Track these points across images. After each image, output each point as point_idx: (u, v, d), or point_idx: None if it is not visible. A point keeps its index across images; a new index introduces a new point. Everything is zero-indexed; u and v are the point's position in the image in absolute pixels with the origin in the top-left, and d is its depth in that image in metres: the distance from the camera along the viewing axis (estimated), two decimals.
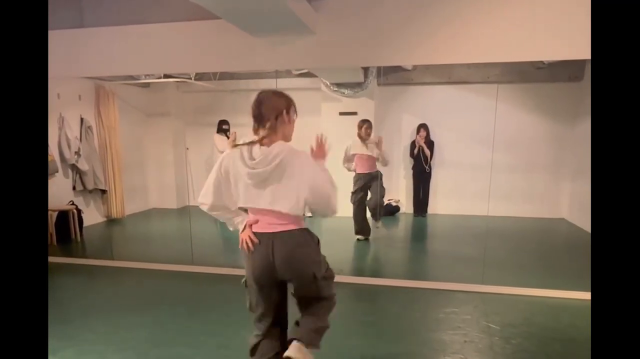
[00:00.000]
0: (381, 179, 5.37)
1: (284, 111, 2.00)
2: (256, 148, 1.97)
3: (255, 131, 2.01)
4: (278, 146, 1.96)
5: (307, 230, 2.08)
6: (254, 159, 1.94)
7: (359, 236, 5.55)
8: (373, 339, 2.94)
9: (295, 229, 2.02)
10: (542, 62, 6.23)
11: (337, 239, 5.53)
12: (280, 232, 2.01)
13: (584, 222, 6.20)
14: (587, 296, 3.59)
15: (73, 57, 4.11)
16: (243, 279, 2.13)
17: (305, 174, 1.97)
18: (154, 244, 5.79)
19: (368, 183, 5.31)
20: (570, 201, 6.79)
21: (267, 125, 1.96)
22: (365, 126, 5.16)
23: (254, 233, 2.02)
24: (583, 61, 6.36)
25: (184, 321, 3.22)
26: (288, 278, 2.06)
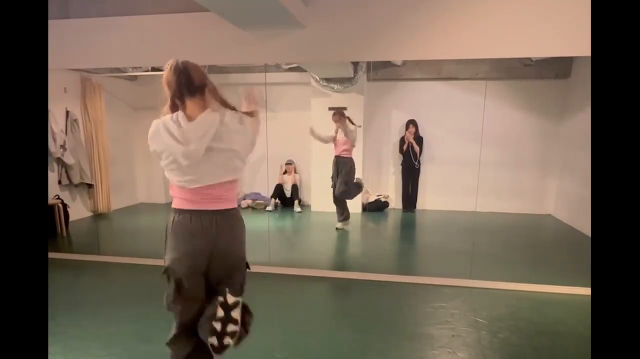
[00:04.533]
0: (350, 167, 5.59)
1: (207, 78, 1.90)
2: (184, 121, 1.81)
3: (179, 102, 1.85)
4: (208, 114, 1.84)
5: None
6: (185, 135, 1.78)
7: (337, 226, 5.71)
8: (362, 333, 2.95)
9: (235, 209, 1.98)
10: (529, 59, 6.28)
11: (328, 234, 5.54)
12: (224, 210, 1.92)
13: (570, 218, 6.29)
14: (573, 290, 3.66)
15: (58, 49, 4.03)
16: (165, 268, 1.95)
17: (240, 140, 1.93)
18: (141, 239, 5.73)
19: (338, 167, 5.63)
20: (556, 197, 6.87)
21: (197, 94, 1.86)
22: (335, 117, 5.58)
23: (187, 210, 1.89)
24: (570, 59, 6.43)
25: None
26: (221, 265, 1.95)
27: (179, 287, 1.92)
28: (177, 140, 1.80)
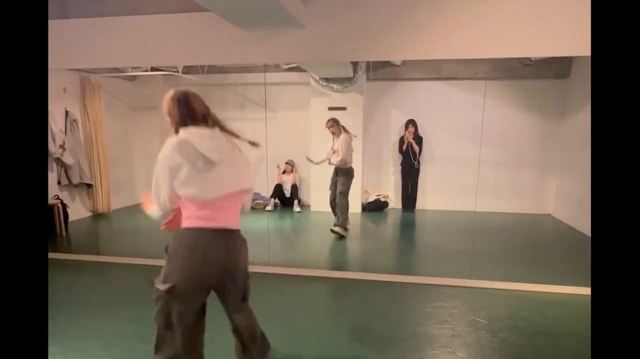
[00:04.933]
0: (348, 176, 5.50)
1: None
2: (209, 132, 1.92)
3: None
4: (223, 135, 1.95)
5: None
6: (213, 138, 1.89)
7: (331, 228, 5.55)
8: (362, 333, 2.95)
9: (240, 231, 2.01)
10: (529, 59, 6.29)
11: (327, 234, 5.53)
12: (235, 231, 1.95)
13: (570, 218, 6.29)
14: (573, 290, 3.66)
15: (58, 49, 4.02)
16: (167, 286, 1.85)
17: (245, 165, 2.01)
18: (141, 239, 5.73)
19: (335, 177, 5.59)
20: (556, 197, 6.88)
21: (201, 123, 1.93)
22: (328, 124, 5.53)
23: (199, 229, 1.87)
24: (570, 59, 6.43)
25: None
26: (230, 283, 1.95)
27: (180, 306, 1.88)
28: (209, 137, 1.86)
